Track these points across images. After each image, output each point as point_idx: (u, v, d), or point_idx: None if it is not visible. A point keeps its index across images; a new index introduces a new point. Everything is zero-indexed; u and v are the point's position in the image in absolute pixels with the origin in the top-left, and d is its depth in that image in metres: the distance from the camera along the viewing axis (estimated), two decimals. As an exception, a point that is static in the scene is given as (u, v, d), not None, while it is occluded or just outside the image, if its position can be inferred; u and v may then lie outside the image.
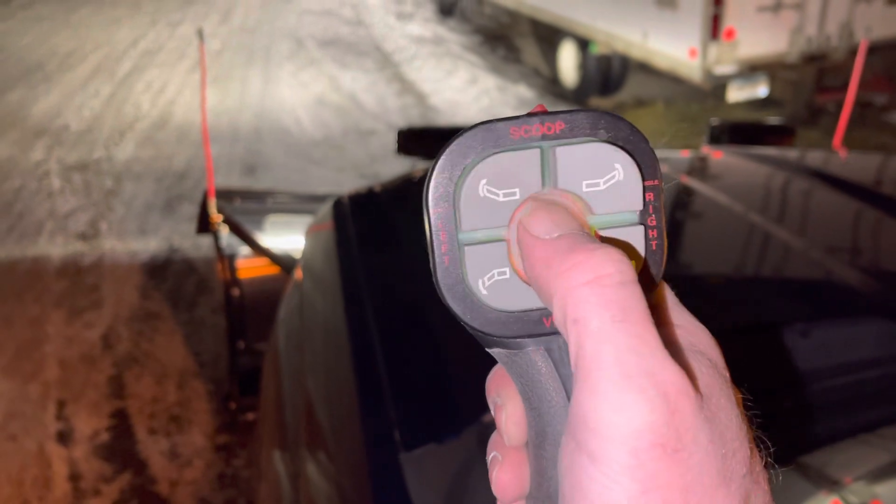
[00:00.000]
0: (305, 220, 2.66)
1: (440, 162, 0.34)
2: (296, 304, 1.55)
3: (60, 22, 10.01)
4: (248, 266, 2.58)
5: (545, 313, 0.34)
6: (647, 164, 0.34)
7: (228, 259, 2.53)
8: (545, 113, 0.33)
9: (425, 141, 2.41)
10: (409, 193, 1.81)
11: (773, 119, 2.74)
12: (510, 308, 0.34)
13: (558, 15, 6.81)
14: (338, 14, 10.53)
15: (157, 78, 7.76)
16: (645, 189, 0.33)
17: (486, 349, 0.35)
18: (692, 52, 5.11)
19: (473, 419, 0.93)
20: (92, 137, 6.23)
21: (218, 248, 2.50)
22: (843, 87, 5.81)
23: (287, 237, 2.59)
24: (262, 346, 2.44)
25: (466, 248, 0.34)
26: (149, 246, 4.47)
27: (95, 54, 8.62)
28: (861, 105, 5.83)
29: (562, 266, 0.30)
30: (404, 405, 1.03)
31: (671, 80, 5.75)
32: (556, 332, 0.33)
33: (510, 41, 8.82)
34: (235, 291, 2.53)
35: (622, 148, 0.33)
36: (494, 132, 0.33)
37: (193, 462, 2.88)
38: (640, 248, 0.34)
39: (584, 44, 6.59)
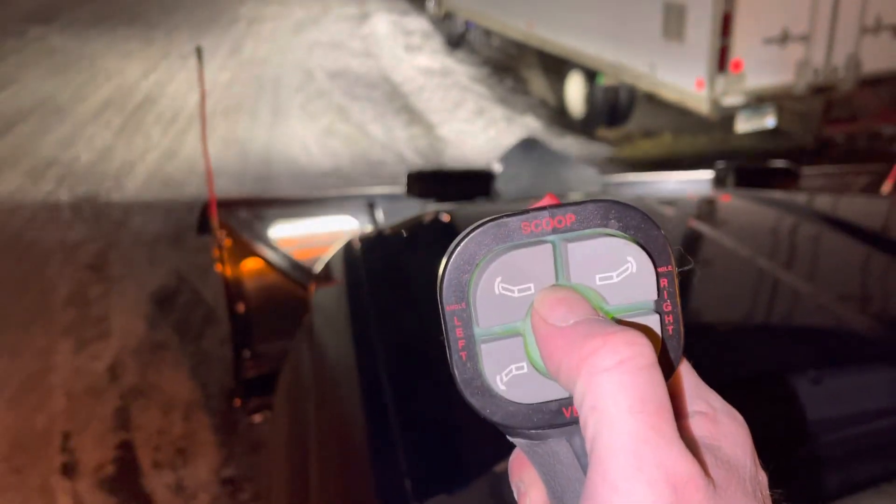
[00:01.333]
0: (311, 224, 2.68)
1: (454, 258, 0.34)
2: (305, 348, 1.54)
3: (73, 54, 10.17)
4: (253, 274, 2.57)
5: (565, 403, 0.34)
6: (659, 252, 0.34)
7: (232, 268, 2.53)
8: (555, 206, 0.33)
9: (434, 183, 2.43)
10: (418, 236, 1.81)
11: (778, 162, 2.74)
12: (530, 401, 0.34)
13: (566, 47, 6.87)
14: (347, 46, 10.67)
15: (167, 109, 7.85)
16: (658, 276, 0.34)
17: (508, 438, 0.35)
18: (699, 84, 5.14)
19: (485, 469, 0.91)
20: (102, 168, 6.28)
21: (220, 258, 2.49)
22: (851, 119, 5.82)
23: (292, 244, 2.60)
24: (267, 349, 2.52)
25: (483, 344, 0.34)
26: (157, 276, 4.47)
27: (107, 86, 8.73)
28: (869, 137, 5.84)
29: (580, 353, 0.30)
30: (415, 455, 1.02)
31: (679, 110, 5.77)
32: (576, 422, 0.33)
33: (518, 73, 8.90)
34: (241, 306, 2.53)
35: (633, 237, 0.34)
36: (506, 228, 0.34)
37: (198, 496, 2.84)
38: (657, 335, 0.34)
39: (591, 75, 6.64)
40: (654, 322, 0.34)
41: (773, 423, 1.01)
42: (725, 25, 4.93)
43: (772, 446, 0.93)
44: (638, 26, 5.72)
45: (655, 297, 0.34)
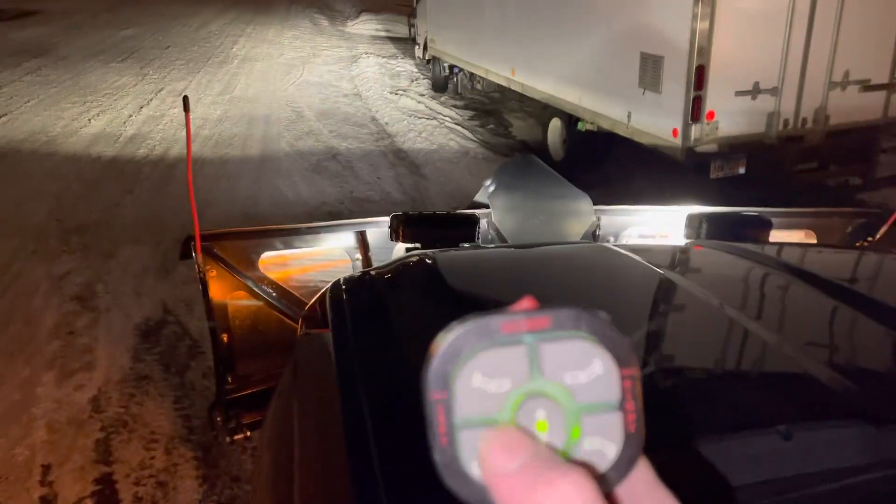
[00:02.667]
0: (299, 254, 2.70)
1: (441, 350, 0.38)
2: (290, 391, 1.58)
3: (67, 86, 10.28)
4: (238, 305, 2.60)
5: None
6: (622, 355, 0.38)
7: (213, 298, 2.54)
8: (533, 311, 0.38)
9: (419, 227, 2.49)
10: (403, 279, 1.86)
11: (749, 212, 2.83)
12: None
13: (547, 93, 7.08)
14: (336, 86, 10.87)
15: (159, 144, 7.96)
16: (622, 378, 0.37)
17: None
18: (674, 133, 5.33)
19: None
20: (92, 200, 6.35)
21: (203, 289, 2.51)
22: (820, 168, 6.03)
23: (280, 275, 2.62)
24: (250, 371, 2.54)
25: (461, 431, 0.37)
26: (143, 309, 4.53)
27: (100, 119, 8.84)
28: (837, 186, 6.05)
29: (529, 498, 0.34)
30: (396, 493, 1.03)
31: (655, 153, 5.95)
32: None
33: (500, 116, 9.12)
34: (224, 337, 2.55)
35: (601, 342, 0.38)
36: (488, 327, 0.37)
37: (178, 528, 2.88)
38: (619, 431, 0.37)
39: (571, 120, 6.84)
40: (617, 419, 0.37)
41: (743, 479, 1.00)
42: (699, 78, 5.14)
43: (740, 502, 0.97)
44: (615, 76, 5.94)
45: (619, 396, 0.37)
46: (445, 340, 0.38)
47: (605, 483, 0.36)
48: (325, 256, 2.75)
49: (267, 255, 2.64)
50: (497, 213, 2.88)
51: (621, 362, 0.37)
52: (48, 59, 11.94)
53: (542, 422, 0.36)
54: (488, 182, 2.97)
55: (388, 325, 1.60)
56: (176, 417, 3.49)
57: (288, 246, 2.68)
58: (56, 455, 3.24)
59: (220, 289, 2.58)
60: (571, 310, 0.38)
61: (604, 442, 0.37)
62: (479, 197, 3.02)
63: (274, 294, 2.58)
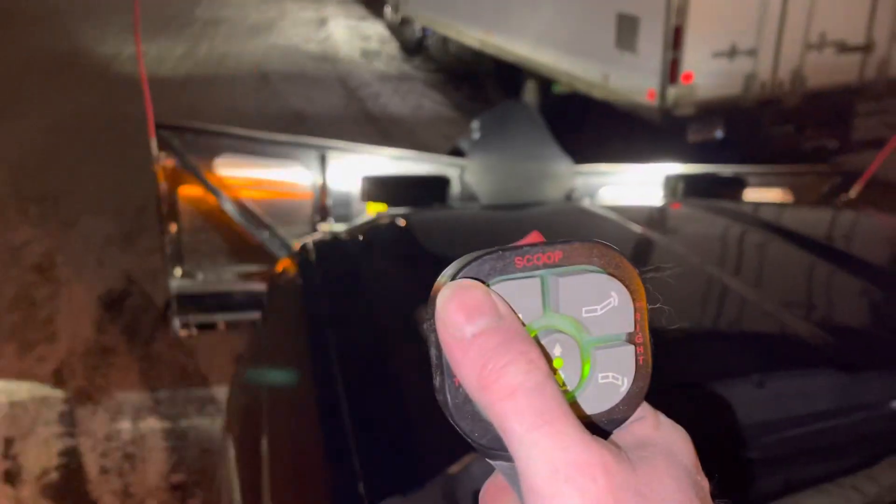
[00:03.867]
0: (259, 163, 2.64)
1: (458, 278, 0.35)
2: (258, 353, 1.53)
3: None
4: (191, 199, 2.61)
5: None
6: (634, 289, 0.37)
7: (168, 191, 2.56)
8: (546, 243, 0.36)
9: (390, 189, 2.43)
10: (375, 239, 1.81)
11: (726, 171, 2.82)
12: None
13: (521, 55, 6.95)
14: (304, 50, 10.60)
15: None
16: (634, 310, 0.37)
17: (490, 462, 0.37)
18: (651, 95, 5.25)
19: (439, 470, 0.92)
20: (51, 168, 6.11)
21: (158, 180, 2.53)
22: (797, 131, 6.02)
23: (237, 180, 2.60)
24: (198, 271, 2.64)
25: None
26: (106, 279, 4.37)
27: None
28: (814, 150, 6.05)
29: (480, 380, 0.32)
30: (369, 457, 1.02)
31: (632, 117, 5.89)
32: None
33: (474, 79, 8.96)
34: (173, 227, 2.58)
35: (614, 274, 0.36)
36: (503, 261, 0.35)
37: (146, 502, 2.79)
38: (631, 364, 0.37)
39: (546, 83, 6.73)
40: (629, 352, 0.37)
41: (717, 425, 1.04)
42: (677, 38, 5.06)
43: (715, 447, 0.97)
44: (592, 37, 5.82)
45: (632, 329, 0.37)
46: (460, 273, 0.35)
47: (617, 415, 0.37)
48: (286, 173, 2.70)
49: (225, 159, 2.59)
50: (471, 174, 2.81)
51: (633, 295, 0.37)
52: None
53: (558, 358, 0.35)
54: (474, 126, 2.88)
55: (358, 286, 1.55)
56: (143, 389, 3.38)
57: (246, 153, 2.62)
58: (19, 428, 3.12)
59: (174, 181, 2.56)
60: (584, 242, 0.36)
61: (616, 375, 0.36)
62: (463, 143, 2.94)
63: (226, 197, 2.55)
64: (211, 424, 3.15)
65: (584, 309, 0.36)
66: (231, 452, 1.52)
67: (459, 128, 7.41)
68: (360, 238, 1.80)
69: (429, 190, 2.56)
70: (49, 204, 5.41)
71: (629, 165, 3.07)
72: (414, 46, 10.22)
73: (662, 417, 0.38)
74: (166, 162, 2.52)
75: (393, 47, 10.80)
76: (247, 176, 2.65)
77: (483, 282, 0.34)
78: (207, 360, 3.60)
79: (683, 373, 1.17)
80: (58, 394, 3.35)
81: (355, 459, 1.03)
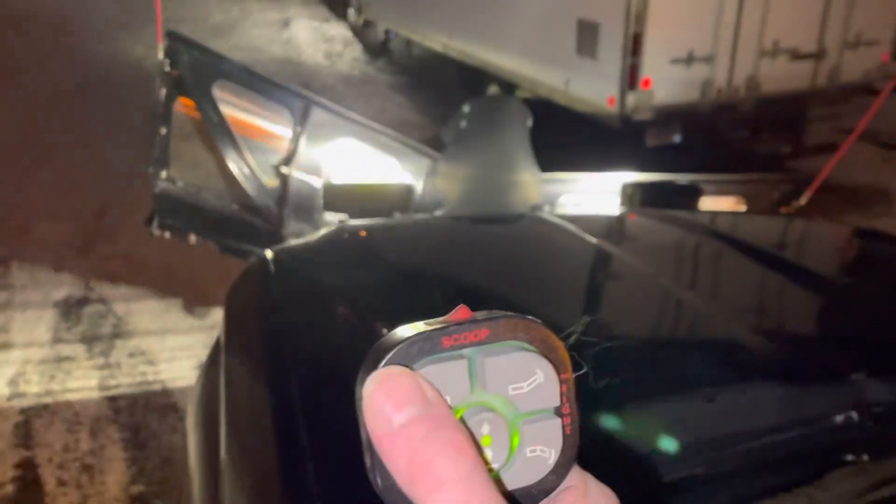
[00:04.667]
0: (250, 97, 2.78)
1: (372, 366, 0.36)
2: (218, 365, 1.53)
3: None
4: (184, 110, 2.77)
5: None
6: (559, 361, 0.38)
7: (166, 97, 2.71)
8: (471, 321, 0.36)
9: (350, 197, 2.44)
10: (334, 252, 1.81)
11: (682, 179, 2.89)
12: None
13: (484, 60, 7.00)
14: (267, 51, 10.51)
15: (76, 110, 7.53)
16: (560, 383, 0.38)
17: None
18: (611, 101, 5.34)
19: None
20: (2, 171, 5.97)
21: (160, 83, 2.68)
22: (752, 136, 6.17)
23: (227, 102, 2.74)
24: (178, 179, 2.83)
25: None
26: (63, 286, 4.29)
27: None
28: (769, 155, 6.20)
29: (408, 474, 0.33)
30: (326, 470, 1.04)
31: (594, 121, 5.97)
32: None
33: (438, 82, 8.99)
34: (163, 129, 2.73)
35: (539, 348, 0.37)
36: (429, 342, 0.36)
37: (106, 514, 2.75)
38: (558, 436, 0.38)
39: (509, 87, 6.78)
40: (555, 425, 0.38)
41: (667, 442, 1.05)
42: (636, 45, 5.14)
43: (667, 464, 1.00)
44: (553, 43, 5.89)
45: (558, 402, 0.38)
46: (386, 358, 0.35)
47: (546, 486, 0.38)
48: (270, 118, 2.84)
49: (221, 85, 2.73)
50: (441, 176, 2.83)
51: (558, 368, 0.38)
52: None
53: (486, 437, 0.36)
54: (464, 111, 2.90)
55: (318, 298, 1.56)
56: (101, 399, 3.33)
57: (242, 85, 2.76)
58: (-29, 442, 3.05)
59: (173, 90, 2.72)
60: (510, 318, 0.37)
61: (544, 448, 0.37)
62: (447, 131, 2.97)
63: (214, 120, 2.70)
64: (172, 433, 3.12)
65: (510, 387, 0.37)
66: (192, 463, 1.53)
67: (423, 131, 7.42)
68: (321, 250, 1.81)
69: (391, 198, 2.57)
70: (2, 209, 5.29)
71: (588, 174, 3.12)
72: (377, 49, 10.20)
73: (591, 482, 0.39)
74: (172, 70, 2.67)
75: (356, 49, 10.76)
76: (236, 106, 2.78)
77: (409, 366, 0.35)
78: (169, 367, 3.57)
79: (633, 386, 1.18)
80: (13, 404, 3.28)
81: (311, 478, 1.04)
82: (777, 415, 1.12)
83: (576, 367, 0.39)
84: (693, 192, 2.73)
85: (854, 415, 1.11)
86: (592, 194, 3.20)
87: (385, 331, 0.37)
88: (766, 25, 5.48)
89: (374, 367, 0.35)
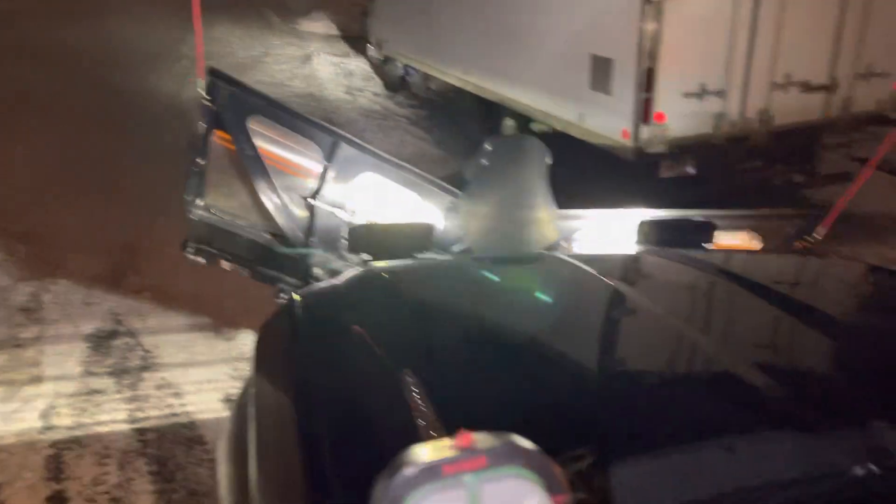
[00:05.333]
0: (283, 133, 2.90)
1: (384, 496, 0.41)
2: (248, 403, 1.61)
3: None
4: (220, 143, 2.91)
5: None
6: (554, 483, 0.42)
7: (205, 129, 2.87)
8: (471, 450, 0.41)
9: (373, 237, 2.54)
10: (359, 292, 1.90)
11: (697, 216, 2.94)
12: None
13: (500, 94, 7.14)
14: (289, 86, 10.76)
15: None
16: None
17: None
18: (625, 134, 5.43)
19: None
20: (36, 206, 6.17)
21: (199, 116, 2.86)
22: (765, 167, 6.22)
23: (261, 137, 2.87)
24: (213, 207, 2.96)
25: None
26: (93, 319, 4.43)
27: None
28: (783, 185, 6.25)
29: None
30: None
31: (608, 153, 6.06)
32: None
33: (455, 116, 9.15)
34: (200, 161, 2.88)
35: (535, 474, 0.41)
36: (430, 471, 0.40)
37: (134, 545, 2.84)
38: None
39: (525, 120, 6.91)
40: None
41: (687, 494, 1.02)
42: (649, 80, 5.25)
43: None
44: (567, 78, 6.02)
45: None
46: (389, 485, 0.40)
47: None
48: (299, 152, 2.97)
49: (256, 120, 2.86)
50: (462, 214, 2.92)
51: (553, 490, 0.40)
52: None
53: None
54: (486, 148, 2.98)
55: (342, 338, 1.63)
56: (130, 431, 3.43)
57: (275, 121, 2.89)
58: (5, 473, 3.15)
59: (211, 123, 2.86)
60: (505, 445, 0.40)
61: None
62: (469, 168, 3.05)
63: (249, 152, 2.83)
64: (198, 466, 3.21)
65: None
66: (222, 494, 1.60)
67: (441, 164, 7.56)
68: (346, 292, 1.90)
69: (413, 238, 2.66)
70: (36, 244, 5.46)
71: (603, 211, 3.19)
72: (396, 83, 10.41)
73: None
74: (210, 105, 2.82)
75: (376, 84, 10.99)
76: (269, 140, 2.91)
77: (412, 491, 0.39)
78: (195, 399, 3.67)
79: (649, 435, 1.19)
80: (45, 437, 3.39)
81: None
82: (794, 466, 1.09)
83: (574, 489, 0.44)
84: (708, 229, 2.77)
85: (874, 467, 1.07)
86: (607, 230, 3.27)
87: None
88: (777, 59, 5.57)
89: (384, 493, 0.39)
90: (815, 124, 5.97)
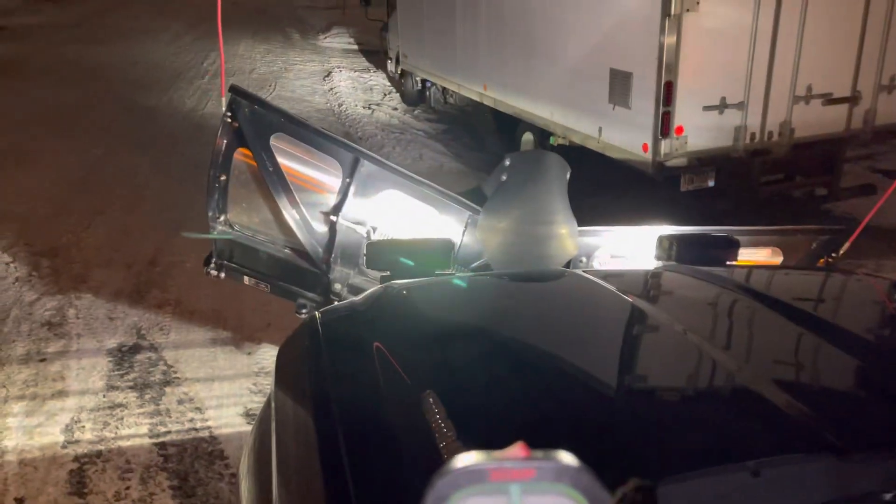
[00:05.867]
0: (303, 149, 2.92)
1: (435, 489, 0.41)
2: (268, 419, 1.62)
3: (32, 106, 10.10)
4: (242, 161, 2.94)
5: None
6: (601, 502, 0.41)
7: (226, 146, 2.90)
8: (521, 460, 0.41)
9: (392, 254, 2.54)
10: (379, 309, 1.91)
11: (718, 232, 2.91)
12: None
13: (519, 108, 7.15)
14: (309, 101, 10.87)
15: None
16: None
17: None
18: (645, 147, 5.41)
19: None
20: (60, 221, 6.27)
21: (221, 133, 2.88)
22: (786, 180, 6.17)
23: (282, 153, 2.90)
24: (235, 223, 3.02)
25: None
26: (116, 334, 4.48)
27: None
28: (805, 196, 6.19)
29: None
30: None
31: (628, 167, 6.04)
32: None
33: (474, 130, 9.18)
34: (222, 177, 2.93)
35: (582, 493, 0.40)
36: (477, 474, 0.40)
37: (156, 560, 2.85)
38: None
39: (543, 134, 6.91)
40: None
41: None
42: (668, 94, 5.23)
43: None
44: (586, 92, 6.01)
45: None
46: (436, 483, 0.41)
47: None
48: (320, 168, 2.99)
49: (278, 137, 2.89)
50: (482, 232, 2.92)
51: None
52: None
53: None
54: (506, 164, 2.97)
55: (361, 361, 1.64)
56: (151, 445, 3.46)
57: (297, 138, 2.92)
58: (29, 488, 3.19)
59: (233, 140, 2.89)
60: (556, 461, 0.41)
61: None
62: (488, 184, 3.04)
63: (270, 169, 2.86)
64: (219, 481, 3.22)
65: None
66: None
67: (458, 177, 7.57)
68: (366, 310, 1.91)
69: (432, 254, 2.66)
70: (61, 259, 5.55)
71: (623, 227, 3.18)
72: (415, 98, 10.47)
73: None
74: (233, 122, 2.85)
75: (395, 99, 11.06)
76: (291, 157, 2.94)
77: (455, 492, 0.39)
78: (216, 413, 3.69)
79: (672, 458, 1.17)
80: (68, 451, 3.42)
81: None
82: (823, 490, 1.07)
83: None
84: (730, 245, 2.73)
85: None
86: (628, 247, 3.25)
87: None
88: (798, 71, 5.53)
89: (431, 491, 0.40)
90: (838, 137, 5.90)
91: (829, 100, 5.71)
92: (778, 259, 3.31)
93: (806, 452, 1.17)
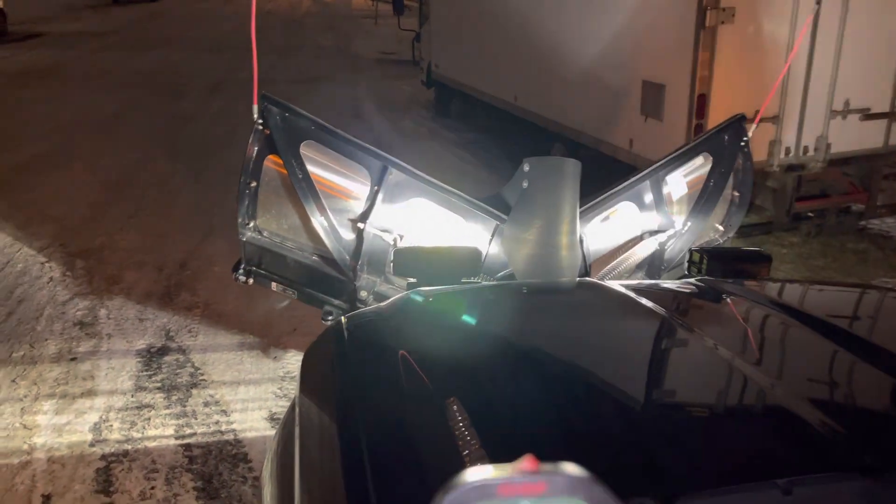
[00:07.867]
0: (332, 157, 2.94)
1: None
2: (292, 423, 1.63)
3: (71, 110, 10.29)
4: (272, 168, 2.97)
5: None
6: None
7: (257, 153, 2.93)
8: (531, 474, 0.40)
9: (419, 261, 2.54)
10: (404, 316, 1.91)
11: (749, 248, 2.86)
12: None
13: (549, 119, 7.13)
14: (339, 108, 10.95)
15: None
16: None
17: None
18: (676, 160, 5.35)
19: None
20: (95, 224, 6.38)
21: (252, 140, 2.91)
22: (821, 196, 6.05)
23: (312, 161, 2.92)
24: (265, 229, 3.04)
25: None
26: (146, 335, 4.54)
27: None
28: (840, 212, 6.07)
29: None
30: None
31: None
32: None
33: (503, 140, 9.17)
34: (253, 183, 2.96)
35: None
36: (488, 489, 0.39)
37: (178, 561, 2.86)
38: None
39: (573, 144, 6.88)
40: None
41: None
42: (701, 106, 5.18)
43: None
44: (617, 103, 5.97)
45: None
46: (443, 500, 0.40)
47: None
48: (348, 177, 3.00)
49: (308, 144, 2.91)
50: (505, 239, 2.91)
51: None
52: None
53: None
54: (525, 169, 2.94)
55: (386, 367, 1.63)
56: (177, 447, 3.48)
57: (327, 145, 2.94)
58: (56, 485, 3.23)
59: (263, 147, 2.92)
60: (567, 474, 0.40)
61: None
62: (509, 190, 3.01)
63: (300, 176, 2.88)
64: (242, 483, 3.24)
65: None
66: None
67: (487, 186, 7.56)
68: (391, 316, 1.90)
69: (459, 262, 2.65)
70: (94, 260, 5.64)
71: (606, 194, 3.14)
72: (445, 106, 10.50)
73: None
74: (263, 129, 2.88)
75: (426, 106, 11.11)
76: (320, 164, 2.95)
77: None
78: (241, 417, 3.71)
79: (702, 474, 1.15)
80: (96, 450, 3.46)
81: None
82: None
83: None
84: (761, 260, 2.68)
85: None
86: (654, 257, 3.22)
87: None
88: (836, 86, 5.43)
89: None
90: (875, 152, 5.79)
91: (868, 115, 5.60)
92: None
93: (840, 472, 1.14)
